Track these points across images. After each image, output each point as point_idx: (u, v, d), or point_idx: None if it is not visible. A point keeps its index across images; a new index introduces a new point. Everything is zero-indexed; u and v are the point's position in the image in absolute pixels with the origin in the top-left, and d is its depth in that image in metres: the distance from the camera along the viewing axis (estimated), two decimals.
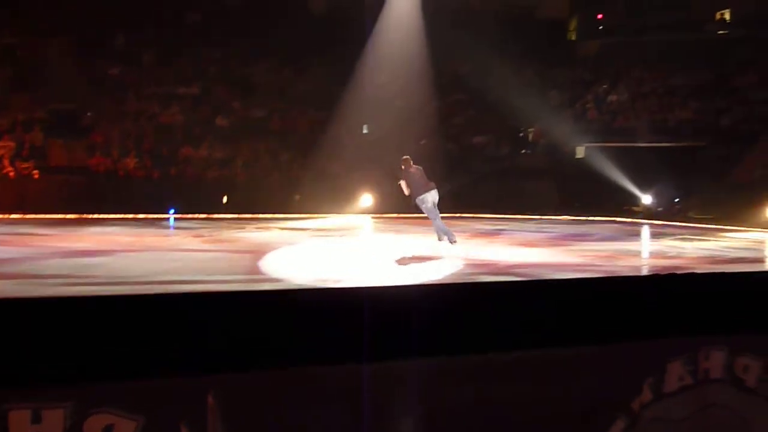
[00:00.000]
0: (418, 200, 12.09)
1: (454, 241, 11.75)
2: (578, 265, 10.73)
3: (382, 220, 20.62)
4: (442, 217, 12.27)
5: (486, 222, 19.76)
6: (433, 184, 12.33)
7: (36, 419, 1.98)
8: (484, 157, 25.83)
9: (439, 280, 8.62)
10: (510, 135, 27.14)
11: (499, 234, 16.50)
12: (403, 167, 12.27)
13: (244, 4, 28.29)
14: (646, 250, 15.07)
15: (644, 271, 11.07)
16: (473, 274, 9.24)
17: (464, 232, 16.82)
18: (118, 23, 26.67)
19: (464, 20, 27.33)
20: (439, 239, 11.94)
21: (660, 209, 22.20)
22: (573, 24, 31.72)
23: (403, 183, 12.15)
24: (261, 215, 20.21)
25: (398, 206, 22.28)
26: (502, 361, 2.63)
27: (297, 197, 22.15)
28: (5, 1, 25.93)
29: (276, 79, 26.94)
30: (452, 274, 9.11)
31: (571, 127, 25.73)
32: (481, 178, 23.55)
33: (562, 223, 20.57)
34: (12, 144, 21.16)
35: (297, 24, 26.03)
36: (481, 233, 16.59)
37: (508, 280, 8.35)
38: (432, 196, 12.12)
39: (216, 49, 27.14)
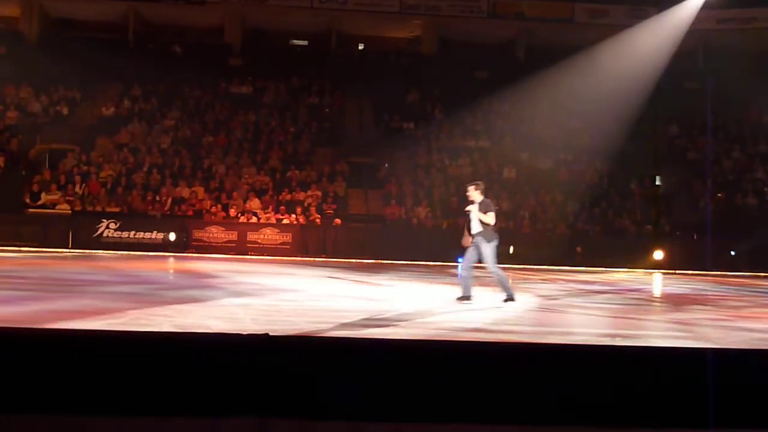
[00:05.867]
0: (494, 240, 10.58)
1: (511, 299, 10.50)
2: None
3: (674, 276, 19.61)
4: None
5: None
6: None
7: None
8: None
9: (739, 345, 8.04)
10: None
11: None
12: (478, 192, 10.68)
13: (530, 59, 28.76)
14: None
15: None
16: None
17: None
18: (412, 82, 28.40)
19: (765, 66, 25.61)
20: (508, 299, 10.48)
21: None
22: None
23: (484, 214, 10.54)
24: (545, 267, 20.18)
25: (696, 262, 21.12)
26: None
27: (579, 249, 21.85)
28: (313, 66, 28.72)
29: (562, 131, 26.91)
30: (754, 340, 8.44)
31: None
32: None
33: None
34: (318, 194, 23.20)
35: (584, 76, 25.92)
36: None
37: None
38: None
39: (503, 103, 27.79)
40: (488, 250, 10.72)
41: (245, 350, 5.06)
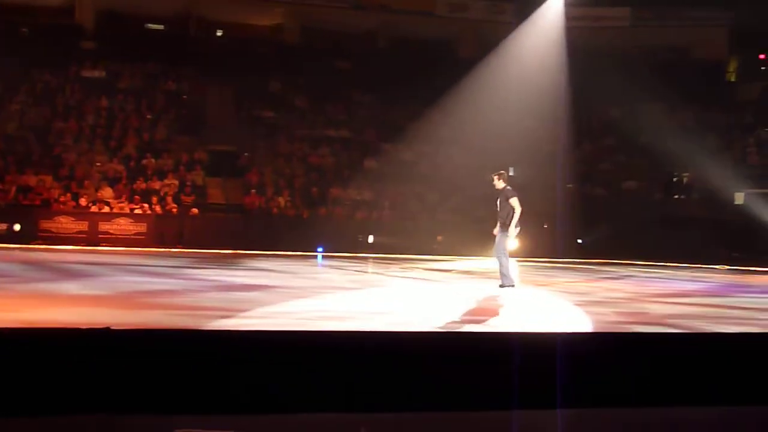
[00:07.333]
0: (510, 232, 11.20)
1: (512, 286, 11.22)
2: (738, 319, 10.13)
3: (529, 263, 20.30)
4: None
5: (637, 269, 19.11)
6: None
7: None
8: (635, 202, 25.06)
9: (585, 329, 8.37)
10: (663, 180, 26.26)
11: (651, 282, 15.85)
12: (503, 183, 11.23)
13: (393, 51, 29.01)
14: None
15: None
16: (622, 323, 8.91)
17: (614, 279, 16.33)
18: (274, 70, 28.02)
19: (615, 63, 26.80)
20: (504, 285, 11.26)
21: None
22: (732, 65, 30.47)
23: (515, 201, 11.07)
24: (406, 255, 20.43)
25: (547, 250, 21.97)
26: (651, 417, 2.52)
27: (439, 238, 22.29)
28: (171, 51, 27.78)
29: (423, 123, 27.28)
30: (601, 323, 8.81)
31: (730, 173, 24.50)
32: (632, 224, 22.84)
33: (719, 272, 19.55)
34: (175, 182, 22.51)
35: (444, 68, 26.37)
36: (633, 281, 16.01)
37: (661, 332, 8.02)
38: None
39: (365, 94, 27.89)
40: (501, 239, 11.40)
41: (86, 345, 4.80)
